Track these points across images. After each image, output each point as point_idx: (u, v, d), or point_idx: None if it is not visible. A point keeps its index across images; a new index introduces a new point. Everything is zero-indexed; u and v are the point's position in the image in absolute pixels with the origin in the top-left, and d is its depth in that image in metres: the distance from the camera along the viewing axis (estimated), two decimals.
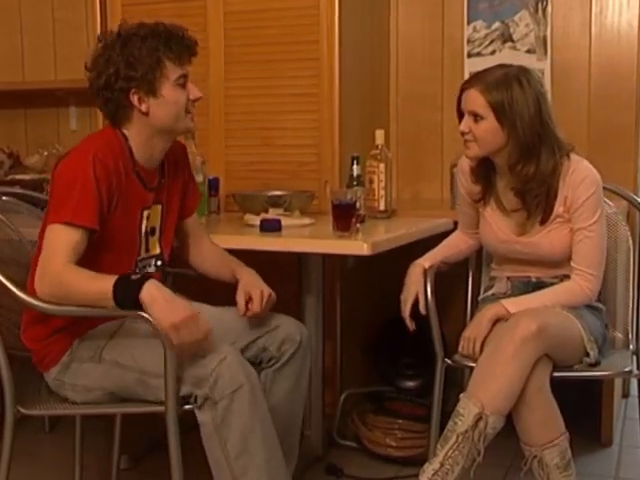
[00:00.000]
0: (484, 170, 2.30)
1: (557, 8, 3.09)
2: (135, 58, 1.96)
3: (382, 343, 3.08)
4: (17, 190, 2.97)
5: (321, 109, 2.86)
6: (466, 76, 3.05)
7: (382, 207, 2.72)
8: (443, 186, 3.25)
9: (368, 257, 2.23)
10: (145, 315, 1.84)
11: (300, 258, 2.62)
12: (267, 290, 2.14)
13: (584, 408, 2.71)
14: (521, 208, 2.26)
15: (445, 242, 2.49)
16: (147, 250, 2.12)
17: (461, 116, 2.22)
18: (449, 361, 2.28)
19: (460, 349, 2.21)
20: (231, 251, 2.29)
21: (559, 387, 2.09)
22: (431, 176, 3.31)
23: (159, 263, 2.15)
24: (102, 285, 1.84)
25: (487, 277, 2.52)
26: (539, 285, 2.29)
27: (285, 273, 2.51)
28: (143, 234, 2.09)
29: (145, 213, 2.08)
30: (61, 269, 1.85)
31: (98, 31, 3.14)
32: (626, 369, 2.23)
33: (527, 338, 2.00)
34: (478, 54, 3.19)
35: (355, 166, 2.67)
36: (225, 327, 2.10)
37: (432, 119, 3.28)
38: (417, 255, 2.43)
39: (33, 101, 3.89)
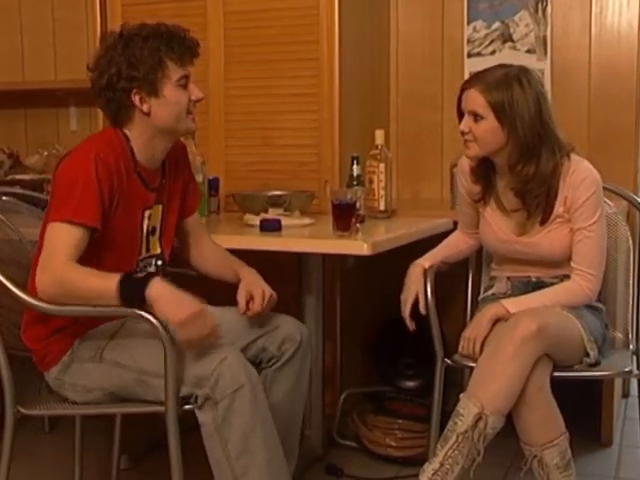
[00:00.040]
0: (484, 170, 2.30)
1: (557, 8, 3.09)
2: (137, 58, 1.96)
3: (382, 343, 3.08)
4: (17, 190, 2.97)
5: (321, 109, 2.86)
6: (466, 76, 3.05)
7: (382, 207, 2.72)
8: (443, 186, 3.25)
9: (368, 257, 2.23)
10: (146, 315, 1.85)
11: (300, 258, 2.62)
12: (269, 290, 2.15)
13: (584, 408, 2.71)
14: (521, 208, 2.26)
15: (445, 242, 2.49)
16: (148, 250, 2.12)
17: (461, 116, 2.22)
18: (449, 361, 2.28)
19: (460, 349, 2.21)
20: (231, 251, 2.29)
21: (559, 387, 2.09)
22: (431, 176, 3.31)
23: (159, 263, 2.15)
24: (106, 283, 1.84)
25: (487, 277, 2.52)
26: (539, 285, 2.29)
27: (285, 273, 2.51)
28: (144, 234, 2.09)
29: (146, 213, 2.08)
30: (62, 267, 1.85)
31: (98, 31, 3.15)
32: (626, 369, 2.23)
33: (527, 338, 2.00)
34: (478, 54, 3.19)
35: (355, 166, 2.67)
36: (225, 327, 2.10)
37: (432, 119, 3.28)
38: (417, 255, 2.43)
39: (33, 101, 3.89)
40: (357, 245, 2.26)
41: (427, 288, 2.32)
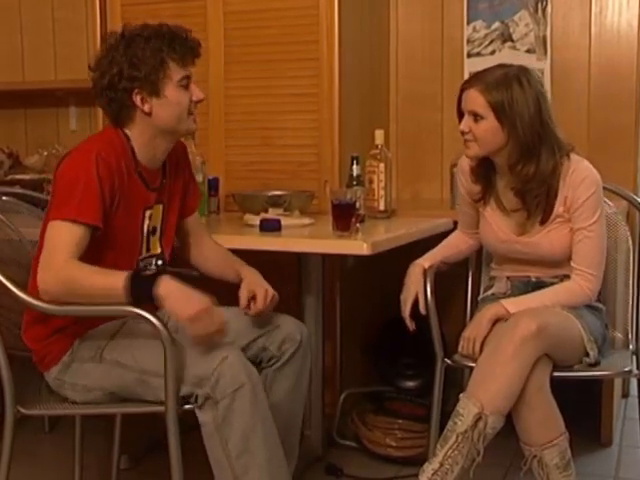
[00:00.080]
0: (484, 170, 2.30)
1: (557, 8, 3.09)
2: (139, 58, 1.97)
3: (382, 343, 3.08)
4: (17, 190, 2.97)
5: (321, 109, 2.87)
6: (466, 76, 3.05)
7: (382, 207, 2.72)
8: (443, 186, 3.25)
9: (368, 257, 2.23)
10: (146, 315, 1.85)
11: (300, 258, 2.63)
12: (271, 290, 2.15)
13: (584, 408, 2.71)
14: (521, 208, 2.26)
15: (445, 242, 2.49)
16: (148, 250, 2.12)
17: (461, 116, 2.22)
18: (449, 361, 2.28)
19: (460, 349, 2.21)
20: (231, 251, 2.29)
21: (559, 387, 2.09)
22: (431, 176, 3.31)
23: (160, 262, 2.15)
24: (112, 280, 1.85)
25: (487, 277, 2.52)
26: (539, 285, 2.29)
27: (285, 273, 2.51)
28: (145, 234, 2.10)
29: (147, 213, 2.08)
30: (64, 265, 1.85)
31: (98, 31, 3.15)
32: (626, 369, 2.23)
33: (527, 338, 2.00)
34: (478, 54, 3.19)
35: (355, 166, 2.67)
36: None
37: (432, 119, 3.29)
38: (417, 255, 2.43)
39: (33, 101, 3.89)
40: (357, 245, 2.26)
41: (427, 288, 2.32)
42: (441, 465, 2.00)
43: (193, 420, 1.92)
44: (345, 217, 2.33)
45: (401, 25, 3.32)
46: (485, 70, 2.21)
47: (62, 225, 1.87)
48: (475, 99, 2.16)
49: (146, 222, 2.09)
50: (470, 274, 2.55)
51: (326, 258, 2.64)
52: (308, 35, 2.86)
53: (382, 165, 2.70)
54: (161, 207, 2.14)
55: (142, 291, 1.84)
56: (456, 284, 2.57)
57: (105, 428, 2.56)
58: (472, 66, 3.09)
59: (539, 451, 2.03)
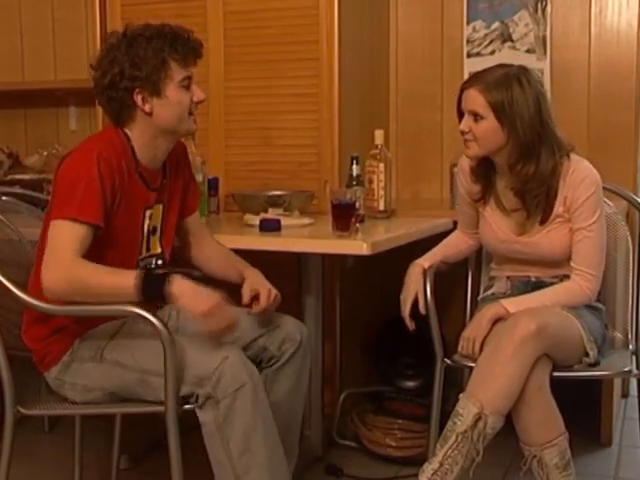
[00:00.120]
0: (484, 170, 2.30)
1: (557, 8, 3.09)
2: (140, 58, 1.97)
3: (382, 343, 3.08)
4: (17, 190, 2.97)
5: (321, 109, 2.87)
6: (466, 76, 3.05)
7: (382, 207, 2.72)
8: (443, 186, 3.25)
9: (368, 257, 2.23)
10: (146, 315, 1.85)
11: (300, 258, 2.63)
12: (274, 290, 2.16)
13: (584, 408, 2.71)
14: (521, 208, 2.26)
15: (445, 242, 2.49)
16: (148, 249, 2.12)
17: (461, 116, 2.22)
18: (449, 361, 2.28)
19: (460, 349, 2.21)
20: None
21: (559, 387, 2.09)
22: (431, 176, 3.31)
23: (160, 262, 2.15)
24: (122, 279, 1.86)
25: (487, 277, 2.52)
26: (539, 285, 2.29)
27: (285, 273, 2.51)
28: (145, 233, 2.10)
29: (147, 213, 2.09)
30: (70, 263, 1.85)
31: (98, 31, 3.15)
32: (625, 369, 2.23)
33: (526, 338, 2.00)
34: (477, 54, 3.19)
35: (355, 166, 2.67)
36: None
37: (432, 119, 3.29)
38: (417, 255, 2.43)
39: (33, 101, 3.89)
40: (357, 245, 2.26)
41: (427, 288, 2.32)
42: (441, 465, 2.00)
43: (193, 420, 1.92)
44: (345, 217, 2.33)
45: (401, 25, 3.32)
46: (485, 70, 2.21)
47: (64, 224, 1.87)
48: (475, 99, 2.16)
49: (146, 222, 2.09)
50: (470, 274, 2.55)
51: (326, 258, 2.65)
52: (308, 35, 2.86)
53: (382, 165, 2.70)
54: (161, 207, 2.14)
55: (154, 290, 1.85)
56: (456, 284, 2.57)
57: (105, 428, 2.56)
58: (472, 66, 3.09)
59: (539, 451, 2.03)
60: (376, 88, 3.25)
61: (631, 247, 2.45)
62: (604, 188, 2.27)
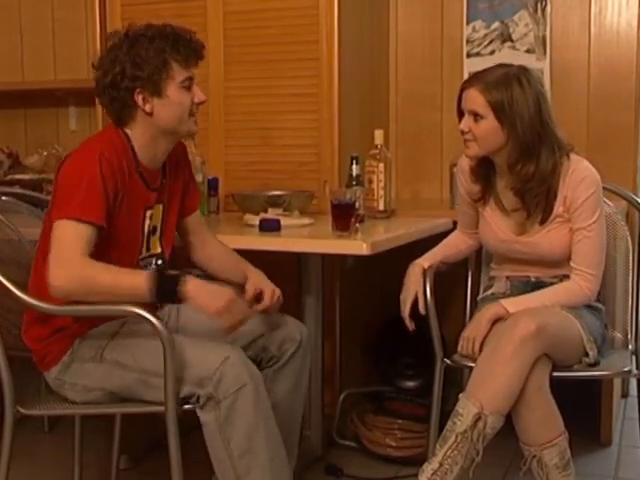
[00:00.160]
0: (484, 169, 2.30)
1: (556, 8, 3.09)
2: (142, 58, 1.97)
3: (382, 343, 3.08)
4: (17, 190, 2.97)
5: (321, 109, 2.87)
6: (465, 76, 3.05)
7: (381, 207, 2.72)
8: (443, 186, 3.25)
9: (367, 257, 2.23)
10: (146, 315, 1.85)
11: (299, 258, 2.63)
12: (277, 290, 2.17)
13: (583, 408, 2.71)
14: (521, 208, 2.26)
15: (444, 242, 2.49)
16: (148, 249, 2.12)
17: (461, 115, 2.22)
18: (448, 361, 2.28)
19: (459, 349, 2.21)
20: None
21: (558, 387, 2.09)
22: (431, 176, 3.31)
23: (159, 262, 2.15)
24: (135, 279, 1.87)
25: (486, 277, 2.52)
26: (538, 285, 2.29)
27: (285, 273, 2.51)
28: (145, 233, 2.10)
29: (148, 213, 2.09)
30: (81, 263, 1.84)
31: (98, 31, 3.15)
32: (625, 369, 2.23)
33: (526, 338, 2.00)
34: (477, 54, 3.19)
35: (354, 166, 2.67)
36: None
37: (432, 119, 3.29)
38: (416, 255, 2.43)
39: (33, 101, 3.89)
40: (356, 245, 2.26)
41: (426, 288, 2.32)
42: (440, 465, 2.00)
43: (193, 420, 1.93)
44: (345, 217, 2.33)
45: (401, 25, 3.32)
46: (485, 70, 2.21)
47: (68, 223, 1.87)
48: (475, 99, 2.16)
49: (147, 222, 2.09)
50: (470, 274, 2.55)
51: (326, 258, 2.64)
52: (308, 35, 2.86)
53: (382, 165, 2.70)
54: (161, 207, 2.14)
55: (167, 290, 1.87)
56: (456, 284, 2.57)
57: (105, 428, 2.56)
58: (472, 66, 3.09)
59: (538, 451, 2.03)
60: (376, 88, 3.25)
61: (631, 247, 2.45)
62: (604, 188, 2.27)
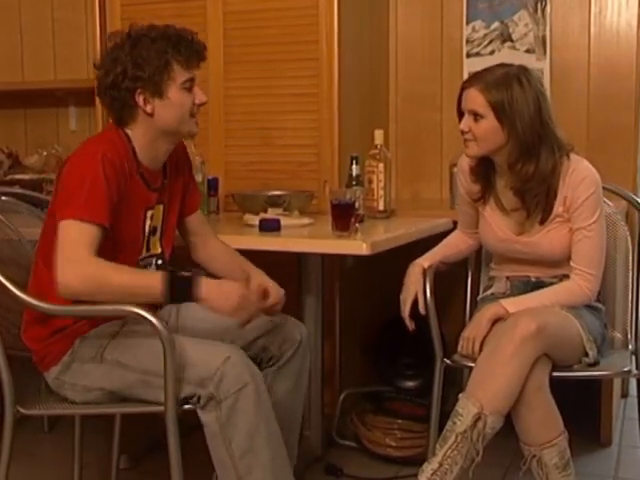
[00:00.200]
0: (484, 169, 2.30)
1: (556, 8, 3.09)
2: (143, 59, 1.97)
3: (382, 343, 3.08)
4: (16, 190, 2.97)
5: (321, 109, 2.87)
6: (465, 76, 3.05)
7: (381, 207, 2.72)
8: (442, 186, 3.25)
9: (367, 257, 2.23)
10: (146, 315, 1.85)
11: (299, 258, 2.63)
12: (281, 289, 2.17)
13: (583, 408, 2.71)
14: (520, 207, 2.27)
15: (444, 242, 2.49)
16: (148, 249, 2.12)
17: (461, 115, 2.22)
18: (448, 361, 2.28)
19: (459, 349, 2.21)
20: None
21: (558, 387, 2.09)
22: (430, 176, 3.31)
23: (159, 262, 2.15)
24: (148, 279, 1.89)
25: (486, 277, 2.52)
26: (538, 285, 2.29)
27: (284, 273, 2.50)
28: (146, 234, 2.10)
29: (149, 213, 2.09)
30: (90, 262, 1.84)
31: (98, 31, 3.16)
32: (625, 369, 2.23)
33: (526, 338, 2.00)
34: (477, 54, 3.19)
35: (354, 166, 2.67)
36: (225, 325, 2.10)
37: (431, 119, 3.29)
38: (416, 255, 2.43)
39: (33, 101, 3.89)
40: (356, 245, 2.26)
41: (426, 288, 2.32)
42: (440, 465, 2.00)
43: (194, 420, 1.92)
44: (344, 217, 2.33)
45: (401, 25, 3.32)
46: (485, 69, 2.21)
47: (73, 224, 1.87)
48: (475, 98, 2.16)
49: (147, 222, 2.09)
50: (469, 274, 2.55)
51: (325, 258, 2.64)
52: (308, 35, 2.86)
53: (381, 165, 2.70)
54: (162, 207, 2.14)
55: (180, 292, 1.88)
56: (456, 284, 2.57)
57: (105, 428, 2.56)
58: (471, 66, 3.09)
59: (538, 451, 2.03)
60: (376, 88, 3.25)
61: (631, 247, 2.45)
62: (604, 188, 2.27)
